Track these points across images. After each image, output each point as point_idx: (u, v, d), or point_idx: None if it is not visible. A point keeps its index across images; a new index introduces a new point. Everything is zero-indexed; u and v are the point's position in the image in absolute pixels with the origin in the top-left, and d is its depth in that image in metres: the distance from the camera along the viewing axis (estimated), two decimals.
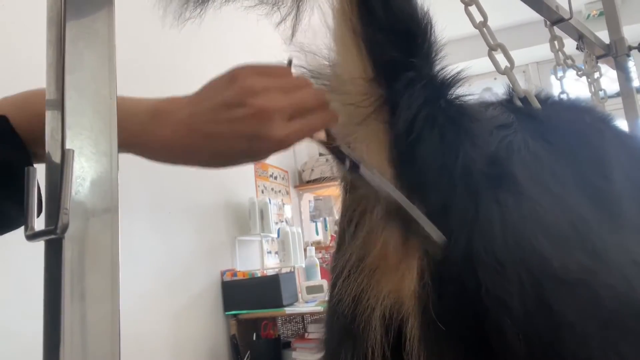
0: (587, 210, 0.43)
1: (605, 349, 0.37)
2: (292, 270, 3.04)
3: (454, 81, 0.46)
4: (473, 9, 0.62)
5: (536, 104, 0.54)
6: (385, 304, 0.41)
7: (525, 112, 0.52)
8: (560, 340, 0.37)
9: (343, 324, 0.46)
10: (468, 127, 0.43)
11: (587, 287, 0.39)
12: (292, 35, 0.51)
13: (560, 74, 1.06)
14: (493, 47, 0.62)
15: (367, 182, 0.41)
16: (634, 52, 1.39)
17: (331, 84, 0.48)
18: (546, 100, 0.57)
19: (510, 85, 0.57)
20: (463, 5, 0.62)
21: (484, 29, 0.62)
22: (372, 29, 0.45)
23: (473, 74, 0.48)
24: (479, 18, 0.62)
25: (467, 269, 0.38)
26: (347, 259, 0.47)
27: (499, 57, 0.62)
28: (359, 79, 0.45)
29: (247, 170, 3.19)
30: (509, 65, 0.60)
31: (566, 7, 1.05)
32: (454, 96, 0.45)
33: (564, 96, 0.59)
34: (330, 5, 0.47)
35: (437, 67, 0.45)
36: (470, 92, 0.47)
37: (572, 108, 0.59)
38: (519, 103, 0.55)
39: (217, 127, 0.41)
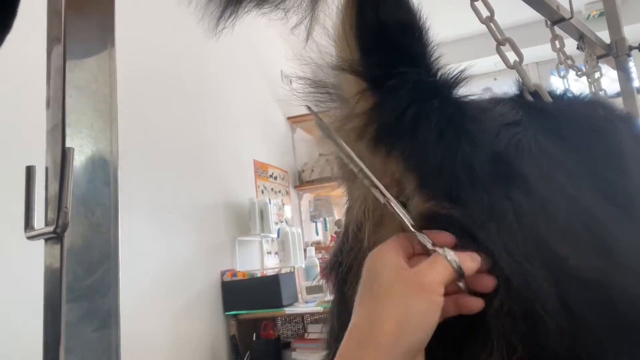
0: (600, 208, 0.43)
1: (619, 353, 0.37)
2: (292, 270, 3.04)
3: (453, 82, 0.45)
4: (479, 4, 0.62)
5: (547, 98, 0.54)
6: None
7: (537, 107, 0.52)
8: (578, 340, 0.37)
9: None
10: (468, 128, 0.43)
11: (600, 289, 0.38)
12: (307, 39, 0.51)
13: (562, 72, 1.06)
14: (501, 42, 0.62)
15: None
16: (634, 52, 1.39)
17: (334, 93, 0.49)
18: (561, 96, 0.56)
19: (520, 80, 0.57)
20: (461, 7, 0.62)
21: (491, 23, 0.62)
22: (365, 42, 0.45)
23: (472, 74, 0.48)
24: (485, 13, 0.62)
25: (495, 262, 0.38)
26: (354, 256, 0.47)
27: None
28: (352, 89, 0.46)
29: (247, 170, 3.19)
30: (517, 59, 0.60)
31: (567, 6, 1.05)
32: (453, 96, 0.45)
33: (569, 94, 0.59)
34: (336, 14, 0.48)
35: (430, 71, 0.46)
36: (472, 92, 0.47)
37: (586, 102, 0.59)
38: (529, 97, 0.55)
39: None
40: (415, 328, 0.36)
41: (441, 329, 0.37)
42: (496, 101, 0.52)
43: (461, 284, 0.39)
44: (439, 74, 0.46)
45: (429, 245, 0.39)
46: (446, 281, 0.37)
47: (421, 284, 0.37)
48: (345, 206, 0.53)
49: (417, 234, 0.40)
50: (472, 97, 0.47)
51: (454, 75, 0.46)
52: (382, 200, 0.42)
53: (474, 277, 0.38)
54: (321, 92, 0.51)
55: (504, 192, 0.41)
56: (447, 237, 0.40)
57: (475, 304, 0.38)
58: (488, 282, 0.38)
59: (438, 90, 0.45)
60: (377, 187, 0.42)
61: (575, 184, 0.44)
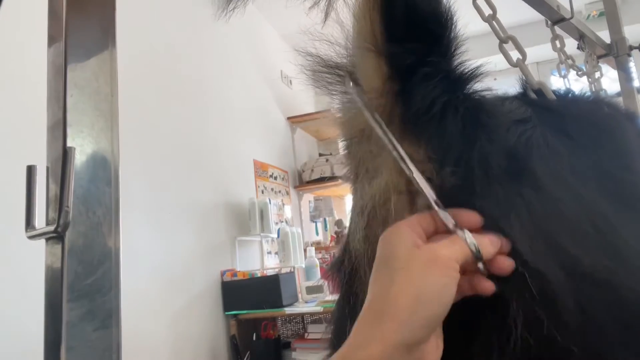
0: (608, 206, 0.43)
1: (629, 353, 0.37)
2: (292, 270, 3.04)
3: (471, 76, 0.45)
4: (481, 2, 0.62)
5: (551, 95, 0.54)
6: None
7: (542, 104, 0.52)
8: (589, 339, 0.37)
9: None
10: (485, 122, 0.43)
11: (610, 288, 0.38)
12: (325, 19, 0.49)
13: (563, 72, 1.06)
14: (504, 40, 0.62)
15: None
16: (634, 52, 1.38)
17: (347, 77, 0.48)
18: (564, 94, 0.56)
19: (524, 78, 0.57)
20: (461, 7, 0.62)
21: (494, 21, 0.62)
22: (391, 25, 0.44)
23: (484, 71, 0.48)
24: (487, 11, 0.62)
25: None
26: (361, 255, 0.47)
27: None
28: (374, 72, 0.45)
29: (247, 170, 3.19)
30: (520, 57, 0.60)
31: (567, 6, 1.05)
32: (471, 90, 0.45)
33: (573, 92, 0.59)
34: None
35: (455, 62, 0.45)
36: (488, 87, 0.46)
37: (591, 100, 0.59)
38: (533, 95, 0.55)
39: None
40: (431, 302, 0.35)
41: (453, 317, 0.37)
42: (502, 98, 0.52)
43: (480, 266, 0.38)
44: (461, 66, 0.46)
45: (450, 226, 0.39)
46: (462, 260, 0.37)
47: (436, 257, 0.37)
48: (352, 205, 0.53)
49: (440, 211, 0.40)
50: (484, 93, 0.47)
51: (471, 70, 0.46)
52: (407, 173, 0.41)
53: (492, 259, 0.39)
54: (331, 73, 0.50)
55: (515, 188, 0.41)
56: (472, 216, 0.40)
57: (488, 287, 0.38)
58: (506, 265, 0.38)
59: (462, 83, 0.45)
60: (404, 160, 0.41)
61: (583, 182, 0.44)
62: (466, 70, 0.45)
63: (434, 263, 0.36)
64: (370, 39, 0.45)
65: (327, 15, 0.49)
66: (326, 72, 0.50)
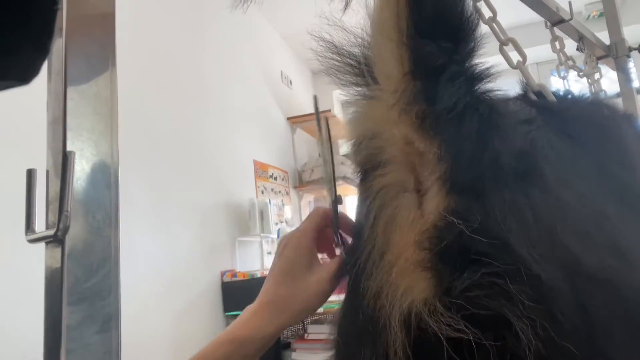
0: (610, 206, 0.43)
1: (633, 354, 0.37)
2: None
3: (485, 76, 0.45)
4: (481, 4, 0.62)
5: (551, 97, 0.54)
6: (403, 301, 0.40)
7: (543, 106, 0.52)
8: (593, 341, 0.36)
9: (363, 323, 0.45)
10: (497, 122, 0.43)
11: (613, 288, 0.38)
12: (345, 7, 0.47)
13: (563, 73, 1.06)
14: (504, 42, 0.62)
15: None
16: (634, 53, 1.39)
17: (360, 68, 0.47)
18: (564, 96, 0.56)
19: (524, 80, 0.57)
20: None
21: (494, 24, 0.62)
22: (420, 19, 0.43)
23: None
24: (487, 14, 0.62)
25: (507, 260, 0.38)
26: (368, 254, 0.46)
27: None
28: (392, 67, 0.44)
29: (247, 170, 3.19)
30: (520, 59, 0.60)
31: (566, 8, 1.05)
32: (484, 90, 0.45)
33: (572, 94, 0.60)
34: None
35: (472, 62, 0.45)
36: (499, 87, 0.46)
37: (590, 102, 0.59)
38: (533, 97, 0.55)
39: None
40: None
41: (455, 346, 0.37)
42: (506, 99, 0.52)
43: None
44: (477, 66, 0.46)
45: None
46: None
47: None
48: (357, 204, 0.53)
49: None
50: (494, 93, 0.47)
51: (483, 69, 0.46)
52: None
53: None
54: (343, 62, 0.49)
55: (522, 188, 0.41)
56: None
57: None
58: None
59: (478, 82, 0.45)
60: (333, 183, 0.50)
61: (586, 182, 0.44)
62: (480, 70, 0.45)
63: None
64: (395, 32, 0.44)
65: (348, 2, 0.47)
66: (339, 61, 0.49)
